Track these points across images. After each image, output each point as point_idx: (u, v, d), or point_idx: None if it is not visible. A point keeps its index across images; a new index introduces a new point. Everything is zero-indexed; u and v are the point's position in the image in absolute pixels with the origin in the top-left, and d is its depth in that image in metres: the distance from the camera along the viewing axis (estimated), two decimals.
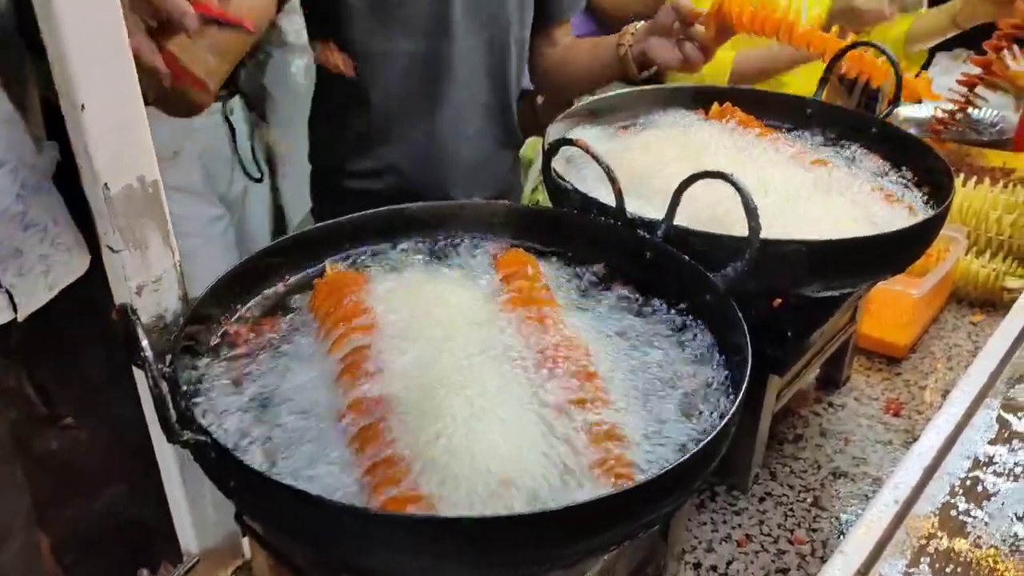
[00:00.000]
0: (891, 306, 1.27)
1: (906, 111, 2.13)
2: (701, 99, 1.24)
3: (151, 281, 0.72)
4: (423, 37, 1.38)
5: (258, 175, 2.08)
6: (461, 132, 1.48)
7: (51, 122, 1.42)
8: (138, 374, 0.74)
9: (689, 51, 1.26)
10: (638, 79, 1.38)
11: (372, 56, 1.39)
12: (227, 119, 1.99)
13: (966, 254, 1.46)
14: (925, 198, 1.04)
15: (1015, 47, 2.20)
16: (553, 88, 1.65)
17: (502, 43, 1.45)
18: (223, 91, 1.96)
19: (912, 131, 1.87)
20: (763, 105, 1.24)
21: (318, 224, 0.90)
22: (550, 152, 0.94)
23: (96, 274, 1.50)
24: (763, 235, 0.78)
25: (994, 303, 1.42)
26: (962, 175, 1.62)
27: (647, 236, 0.87)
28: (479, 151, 1.51)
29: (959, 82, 1.91)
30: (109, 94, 0.63)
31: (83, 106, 0.63)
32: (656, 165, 1.03)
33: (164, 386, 0.60)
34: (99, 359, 1.69)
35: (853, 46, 1.18)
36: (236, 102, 2.02)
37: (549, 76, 1.59)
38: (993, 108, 2.09)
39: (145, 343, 0.58)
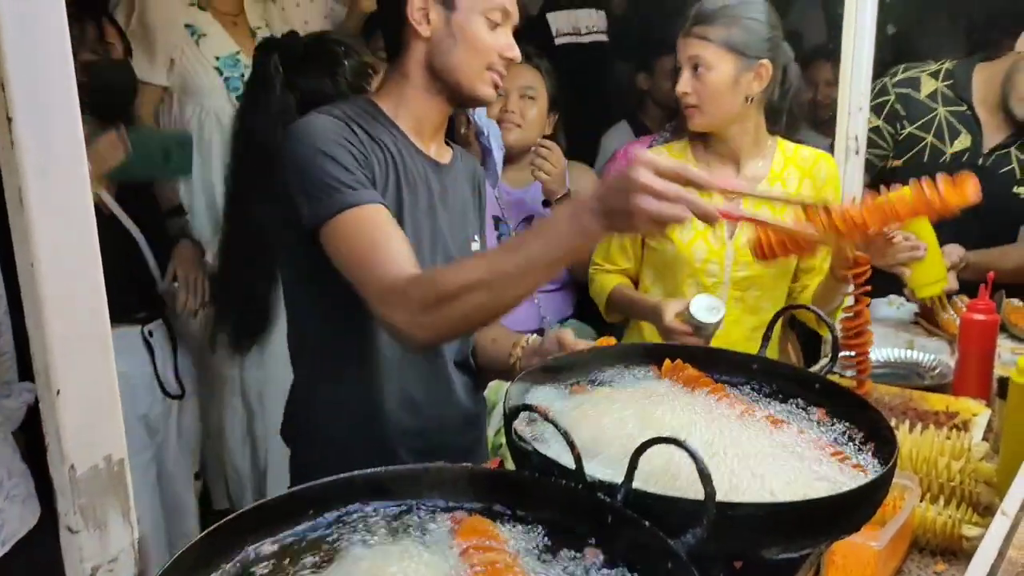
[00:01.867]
0: (853, 559, 1.27)
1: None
2: (653, 356, 1.30)
3: (107, 562, 0.71)
4: None
5: (178, 392, 2.28)
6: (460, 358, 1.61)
7: (23, 361, 1.43)
8: None
9: None
10: None
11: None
12: (147, 341, 2.16)
13: (921, 501, 1.48)
14: (871, 454, 1.08)
15: (943, 295, 2.37)
16: None
17: None
18: (142, 313, 2.14)
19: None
20: (712, 361, 1.30)
21: (273, 497, 0.90)
22: (510, 416, 0.98)
23: (44, 525, 1.45)
24: (719, 498, 0.81)
25: (955, 551, 1.43)
26: (908, 421, 1.67)
27: (607, 500, 0.88)
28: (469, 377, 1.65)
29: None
30: (85, 381, 0.66)
31: (58, 391, 0.65)
32: (612, 425, 1.06)
33: None
34: None
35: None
36: (157, 324, 2.21)
37: None
38: (931, 353, 2.20)
39: None
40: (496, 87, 1.50)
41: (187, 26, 2.51)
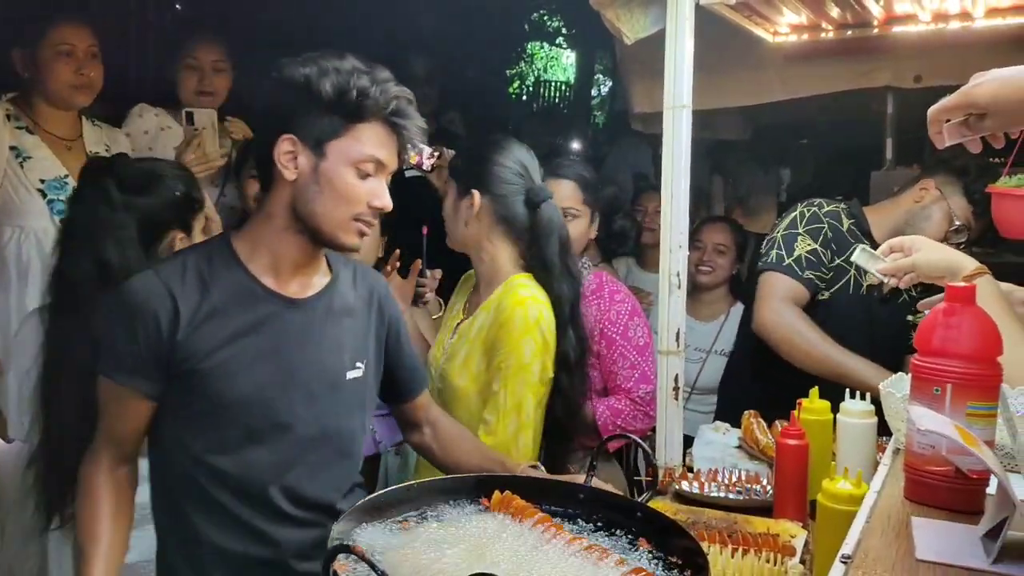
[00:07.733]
0: None
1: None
2: (483, 488, 1.30)
3: None
4: None
5: None
6: None
7: None
8: None
9: None
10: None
11: None
12: None
13: None
14: None
15: (761, 421, 2.50)
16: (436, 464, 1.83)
17: None
18: None
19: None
20: (541, 492, 1.32)
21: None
22: (328, 559, 0.94)
23: None
24: None
25: None
26: (730, 547, 1.73)
27: None
28: None
29: None
30: None
31: None
32: (438, 563, 1.05)
33: None
34: None
35: None
36: None
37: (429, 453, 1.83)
38: (753, 473, 2.29)
39: None
40: (362, 235, 1.51)
41: (12, 148, 2.51)
